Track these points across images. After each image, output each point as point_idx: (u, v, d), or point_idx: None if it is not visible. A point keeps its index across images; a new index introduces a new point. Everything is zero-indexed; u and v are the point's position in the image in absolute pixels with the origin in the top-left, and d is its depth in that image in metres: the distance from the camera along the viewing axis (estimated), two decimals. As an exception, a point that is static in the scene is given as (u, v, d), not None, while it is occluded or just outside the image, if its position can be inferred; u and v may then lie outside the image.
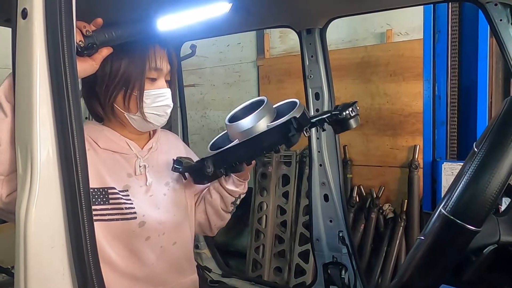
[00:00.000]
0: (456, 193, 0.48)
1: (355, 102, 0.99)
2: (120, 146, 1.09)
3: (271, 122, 0.97)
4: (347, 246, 1.59)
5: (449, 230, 0.48)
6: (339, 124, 0.98)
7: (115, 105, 1.07)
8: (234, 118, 1.03)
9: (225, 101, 3.17)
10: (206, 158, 1.05)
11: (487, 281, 0.53)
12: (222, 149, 1.02)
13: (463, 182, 0.48)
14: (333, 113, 0.97)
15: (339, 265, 1.62)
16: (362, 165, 2.53)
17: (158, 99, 1.06)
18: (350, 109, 0.96)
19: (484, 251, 0.50)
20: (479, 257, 0.50)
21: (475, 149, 0.69)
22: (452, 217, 0.47)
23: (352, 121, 0.98)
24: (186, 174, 1.12)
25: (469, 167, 0.50)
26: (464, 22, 1.97)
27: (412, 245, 1.97)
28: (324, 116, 0.99)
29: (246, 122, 0.97)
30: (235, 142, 1.00)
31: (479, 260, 0.50)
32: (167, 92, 1.08)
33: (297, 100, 0.99)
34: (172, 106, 1.09)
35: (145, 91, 1.04)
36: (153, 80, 1.06)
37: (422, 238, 0.67)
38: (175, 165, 1.10)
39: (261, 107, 0.97)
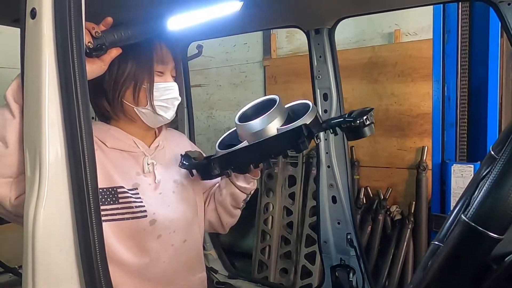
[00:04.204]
0: (477, 200, 0.47)
1: (372, 109, 0.95)
2: (127, 144, 1.09)
3: (282, 125, 0.95)
4: (355, 248, 1.57)
5: (470, 238, 0.47)
6: (353, 131, 0.95)
7: (124, 100, 1.06)
8: (244, 117, 1.02)
9: (231, 102, 3.16)
10: (212, 158, 1.04)
11: (508, 290, 0.52)
12: (228, 150, 1.01)
13: (484, 188, 0.46)
14: (346, 119, 0.94)
15: (347, 267, 1.60)
16: (370, 166, 2.51)
17: (166, 92, 1.08)
18: (365, 117, 0.92)
19: (506, 259, 0.48)
20: (500, 266, 0.49)
21: (492, 153, 0.68)
22: (473, 224, 0.46)
23: (366, 129, 0.93)
24: (194, 170, 1.11)
25: (490, 172, 0.48)
26: (474, 22, 1.94)
27: (420, 248, 1.95)
28: (337, 122, 0.96)
29: (255, 124, 0.95)
30: (244, 143, 0.98)
31: (500, 269, 0.49)
32: (174, 85, 1.10)
33: (310, 103, 0.97)
34: (180, 99, 1.11)
35: (155, 83, 1.06)
36: (160, 73, 1.08)
37: (437, 243, 0.66)
38: (183, 161, 1.09)
39: (272, 109, 0.94)
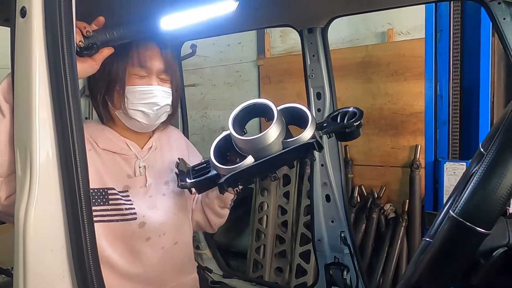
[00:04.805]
0: (465, 195, 0.47)
1: (362, 112, 0.97)
2: (119, 146, 1.08)
3: (284, 138, 0.92)
4: (349, 246, 1.58)
5: (458, 233, 0.47)
6: (346, 135, 0.98)
7: (108, 101, 1.06)
8: (237, 121, 0.97)
9: (225, 101, 3.16)
10: (224, 180, 0.95)
11: (496, 285, 0.52)
12: (238, 169, 0.94)
13: (472, 184, 0.47)
14: (344, 124, 0.97)
15: (341, 265, 1.61)
16: (363, 165, 2.51)
17: (143, 96, 1.03)
18: (358, 122, 0.96)
19: (494, 254, 0.49)
20: (488, 260, 0.49)
21: (481, 150, 0.68)
22: (461, 220, 0.46)
23: (356, 133, 0.98)
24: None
25: (478, 169, 0.48)
26: (466, 21, 1.95)
27: (414, 245, 1.97)
28: (333, 128, 0.98)
29: (260, 140, 0.91)
30: (249, 159, 0.93)
31: (488, 263, 0.49)
32: (156, 89, 1.04)
33: (308, 112, 0.95)
34: (162, 105, 1.05)
35: (129, 86, 1.02)
36: (141, 77, 1.04)
37: (428, 239, 0.66)
38: (183, 179, 1.03)
39: (274, 122, 0.90)
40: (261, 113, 0.97)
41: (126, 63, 1.03)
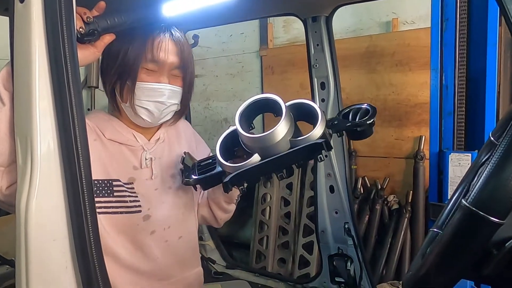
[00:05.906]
0: (478, 184, 0.46)
1: (375, 110, 0.94)
2: (126, 137, 1.07)
3: (292, 136, 0.89)
4: (352, 237, 1.57)
5: (470, 223, 0.46)
6: (358, 133, 0.95)
7: (116, 92, 1.05)
8: (245, 117, 0.94)
9: (228, 92, 3.14)
10: (229, 179, 0.93)
11: (508, 276, 0.51)
12: (243, 168, 0.91)
13: (485, 173, 0.45)
14: (356, 122, 0.94)
15: (344, 256, 1.61)
16: (367, 156, 2.50)
17: (151, 94, 1.00)
18: (371, 121, 0.93)
19: (507, 244, 0.48)
20: (500, 251, 0.48)
21: (492, 139, 0.67)
22: (474, 209, 0.45)
23: (368, 132, 0.96)
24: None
25: (490, 157, 0.47)
26: (472, 9, 1.92)
27: (417, 237, 1.94)
28: (346, 127, 0.95)
29: (268, 138, 0.87)
30: (255, 157, 0.90)
31: (500, 254, 0.48)
32: (164, 88, 1.01)
33: (317, 109, 0.91)
34: (168, 104, 1.02)
35: (138, 82, 0.99)
36: (152, 72, 1.00)
37: (436, 230, 0.65)
38: (188, 176, 1.01)
39: (282, 120, 0.87)
40: (269, 108, 0.93)
41: (140, 58, 0.99)
